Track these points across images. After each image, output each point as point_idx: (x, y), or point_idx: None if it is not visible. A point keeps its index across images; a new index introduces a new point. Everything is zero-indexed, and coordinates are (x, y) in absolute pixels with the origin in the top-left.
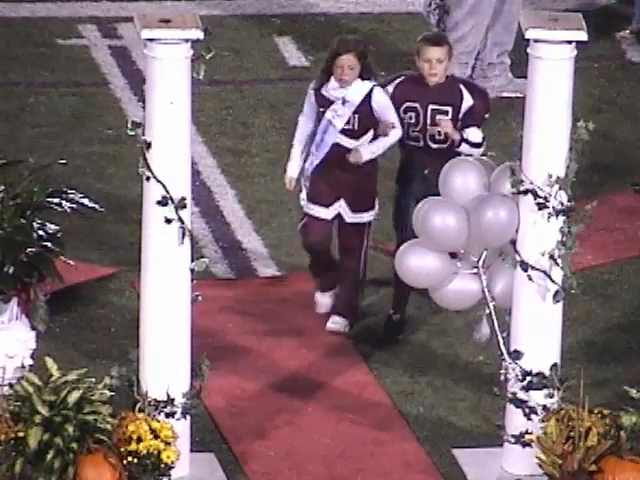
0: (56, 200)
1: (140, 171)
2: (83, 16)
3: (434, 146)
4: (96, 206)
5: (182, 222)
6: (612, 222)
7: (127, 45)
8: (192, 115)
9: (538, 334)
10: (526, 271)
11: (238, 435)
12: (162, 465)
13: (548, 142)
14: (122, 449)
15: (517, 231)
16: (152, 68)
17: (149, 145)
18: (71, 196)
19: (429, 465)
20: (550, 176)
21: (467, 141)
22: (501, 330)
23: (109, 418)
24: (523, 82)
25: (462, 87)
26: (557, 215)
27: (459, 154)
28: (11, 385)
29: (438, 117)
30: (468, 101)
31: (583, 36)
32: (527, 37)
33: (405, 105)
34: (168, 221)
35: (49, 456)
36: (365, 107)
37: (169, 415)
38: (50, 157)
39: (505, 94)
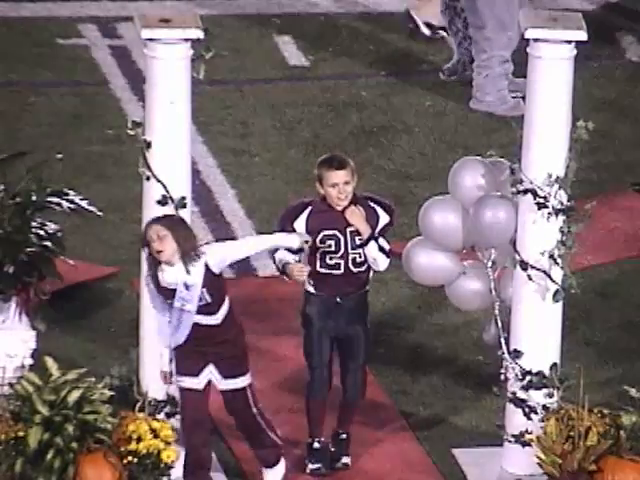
0: (56, 200)
1: (140, 171)
2: (83, 16)
3: (355, 270)
4: (95, 209)
5: None
6: (612, 222)
7: (127, 45)
8: (192, 115)
9: (538, 334)
10: (526, 271)
11: (238, 435)
12: (162, 465)
13: (548, 142)
14: (122, 449)
15: (516, 231)
16: (152, 68)
17: (149, 145)
18: (71, 196)
19: (429, 465)
20: (550, 176)
21: (377, 241)
22: (503, 330)
23: (109, 418)
24: (523, 82)
25: (373, 205)
26: (557, 214)
27: (367, 283)
28: (11, 385)
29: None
30: (384, 219)
31: (583, 36)
32: (527, 37)
33: (322, 234)
34: None
35: (49, 456)
36: (209, 277)
37: (169, 415)
38: (50, 157)
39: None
